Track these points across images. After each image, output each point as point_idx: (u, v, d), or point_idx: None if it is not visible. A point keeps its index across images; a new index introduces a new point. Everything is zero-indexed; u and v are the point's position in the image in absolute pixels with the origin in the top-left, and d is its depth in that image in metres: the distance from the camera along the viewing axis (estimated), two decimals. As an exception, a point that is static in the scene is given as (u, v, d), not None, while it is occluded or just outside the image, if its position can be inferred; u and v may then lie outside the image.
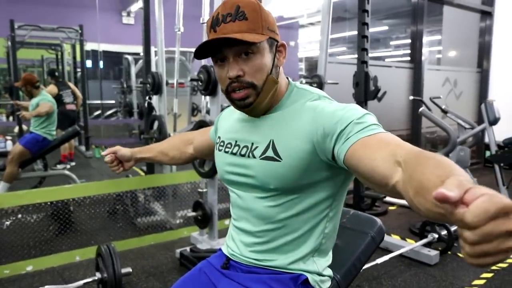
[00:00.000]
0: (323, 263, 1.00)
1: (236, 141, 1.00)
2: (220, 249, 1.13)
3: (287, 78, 1.00)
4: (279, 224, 0.95)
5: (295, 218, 0.94)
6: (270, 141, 0.91)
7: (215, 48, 0.90)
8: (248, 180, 0.95)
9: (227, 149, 1.01)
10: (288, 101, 0.96)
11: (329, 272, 1.03)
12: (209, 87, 2.55)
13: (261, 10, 0.90)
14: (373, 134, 0.78)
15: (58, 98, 5.69)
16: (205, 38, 2.46)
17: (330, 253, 1.05)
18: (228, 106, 1.15)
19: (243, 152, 0.97)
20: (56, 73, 6.06)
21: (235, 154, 0.99)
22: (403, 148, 0.71)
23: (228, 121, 1.08)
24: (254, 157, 0.93)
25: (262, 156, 0.91)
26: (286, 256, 0.96)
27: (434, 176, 0.56)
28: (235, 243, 1.03)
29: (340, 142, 0.81)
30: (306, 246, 0.97)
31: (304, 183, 0.90)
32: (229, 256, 1.05)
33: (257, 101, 0.91)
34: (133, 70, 8.33)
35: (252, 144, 0.95)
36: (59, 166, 5.41)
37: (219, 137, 1.08)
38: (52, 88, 5.73)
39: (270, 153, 0.90)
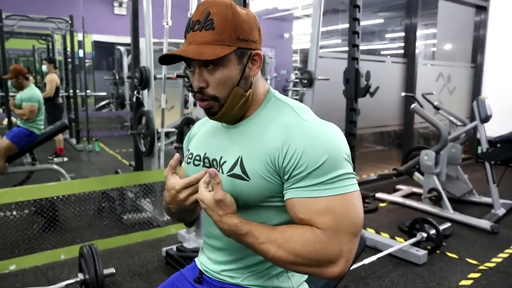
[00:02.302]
0: (298, 279, 0.97)
1: (205, 154, 0.95)
2: (194, 261, 1.10)
3: (269, 86, 0.97)
4: None
5: None
6: (239, 157, 0.87)
7: (182, 57, 0.86)
8: None
9: (196, 162, 0.97)
10: (263, 112, 0.92)
11: (305, 287, 0.99)
12: (195, 83, 2.49)
13: (234, 16, 0.84)
14: (323, 197, 0.79)
15: (56, 91, 5.63)
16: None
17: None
18: None
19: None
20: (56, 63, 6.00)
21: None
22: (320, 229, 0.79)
23: (201, 131, 1.04)
24: (222, 172, 0.89)
25: (230, 173, 0.87)
26: (260, 275, 0.93)
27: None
28: (209, 260, 1.00)
29: (293, 182, 0.82)
30: None
31: (275, 202, 0.87)
32: (202, 271, 1.02)
33: (221, 112, 0.89)
34: (125, 61, 8.22)
35: (221, 158, 0.91)
36: (56, 160, 5.34)
37: (188, 149, 1.03)
38: (55, 77, 5.65)
39: (237, 170, 0.86)
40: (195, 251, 2.50)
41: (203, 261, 1.02)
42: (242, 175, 0.85)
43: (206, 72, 0.86)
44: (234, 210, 0.83)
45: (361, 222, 0.81)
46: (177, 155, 0.93)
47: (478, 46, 5.76)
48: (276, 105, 0.92)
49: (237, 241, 0.85)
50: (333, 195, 0.79)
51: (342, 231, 0.78)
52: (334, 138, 0.82)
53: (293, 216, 0.83)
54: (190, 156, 0.99)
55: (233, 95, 0.87)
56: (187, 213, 1.03)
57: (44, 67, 6.16)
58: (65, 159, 5.51)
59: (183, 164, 1.03)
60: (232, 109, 0.88)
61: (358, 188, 0.82)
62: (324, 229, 0.78)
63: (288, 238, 0.80)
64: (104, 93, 8.93)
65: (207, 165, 0.94)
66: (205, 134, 1.01)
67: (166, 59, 0.89)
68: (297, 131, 0.83)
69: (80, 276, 2.11)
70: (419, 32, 5.01)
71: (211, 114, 0.90)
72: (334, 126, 0.86)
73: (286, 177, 0.82)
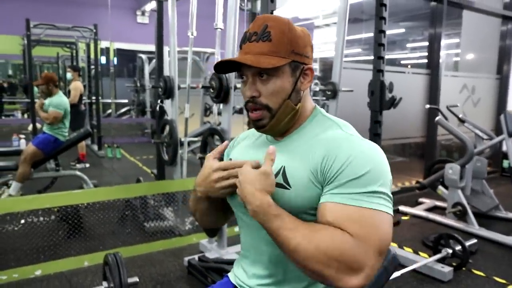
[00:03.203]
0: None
1: None
2: (227, 276, 1.10)
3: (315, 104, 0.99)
4: None
5: None
6: (282, 167, 0.88)
7: (236, 65, 0.90)
8: None
9: None
10: (309, 127, 0.94)
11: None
12: (220, 94, 2.52)
13: (290, 31, 0.88)
14: (358, 207, 0.79)
15: (80, 98, 5.78)
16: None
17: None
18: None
19: None
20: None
21: None
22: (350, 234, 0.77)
23: (244, 142, 1.06)
24: None
25: None
26: None
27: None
28: (245, 273, 0.99)
29: (332, 187, 0.82)
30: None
31: (315, 212, 0.86)
32: (237, 286, 1.01)
33: (271, 124, 0.91)
34: (147, 69, 8.36)
35: None
36: (78, 166, 5.45)
37: (230, 159, 1.05)
38: (80, 85, 5.81)
39: (279, 179, 0.87)
40: (217, 262, 2.50)
41: (239, 275, 1.02)
42: (284, 183, 0.86)
43: (260, 81, 0.89)
44: (271, 192, 0.81)
45: (388, 243, 0.80)
46: (226, 142, 0.99)
47: (504, 57, 5.64)
48: (323, 122, 0.94)
49: (260, 223, 0.81)
50: (367, 208, 0.78)
51: (371, 243, 0.76)
52: (381, 157, 0.85)
53: (320, 218, 0.81)
54: None
55: (284, 108, 0.89)
56: (206, 216, 1.03)
57: (69, 75, 6.32)
58: (87, 165, 5.61)
59: None
60: (281, 121, 0.91)
61: (392, 214, 0.82)
62: (353, 234, 0.76)
63: (317, 230, 0.78)
64: (126, 100, 9.07)
65: None
66: (248, 145, 1.03)
67: (221, 67, 0.92)
68: (344, 142, 0.85)
69: (105, 284, 2.12)
70: (443, 42, 4.94)
71: (260, 126, 0.92)
72: (379, 147, 0.88)
73: (326, 181, 0.83)
